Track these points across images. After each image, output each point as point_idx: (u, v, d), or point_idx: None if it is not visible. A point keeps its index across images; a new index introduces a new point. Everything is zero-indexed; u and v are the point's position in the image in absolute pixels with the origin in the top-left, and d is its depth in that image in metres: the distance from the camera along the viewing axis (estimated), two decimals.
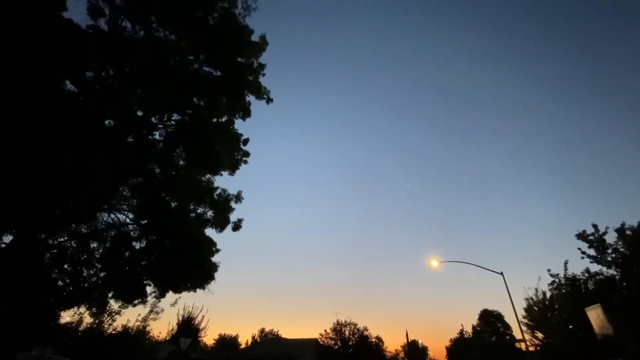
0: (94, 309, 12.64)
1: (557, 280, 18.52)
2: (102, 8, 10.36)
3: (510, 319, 36.35)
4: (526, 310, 21.50)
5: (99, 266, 11.49)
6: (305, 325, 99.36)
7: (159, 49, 10.74)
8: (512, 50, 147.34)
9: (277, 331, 57.25)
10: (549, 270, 18.96)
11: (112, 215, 12.10)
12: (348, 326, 33.66)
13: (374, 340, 33.87)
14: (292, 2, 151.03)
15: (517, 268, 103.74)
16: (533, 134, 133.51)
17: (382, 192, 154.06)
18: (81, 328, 16.23)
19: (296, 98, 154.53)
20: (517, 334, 23.73)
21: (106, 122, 10.76)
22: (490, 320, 37.47)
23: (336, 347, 32.44)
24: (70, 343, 16.26)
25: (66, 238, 11.48)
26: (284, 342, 42.19)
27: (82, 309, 13.31)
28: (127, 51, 10.33)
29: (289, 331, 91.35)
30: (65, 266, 11.11)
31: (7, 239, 10.02)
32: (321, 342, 33.26)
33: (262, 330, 58.02)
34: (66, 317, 15.21)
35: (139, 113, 11.32)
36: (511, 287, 24.53)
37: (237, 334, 51.56)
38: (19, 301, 8.97)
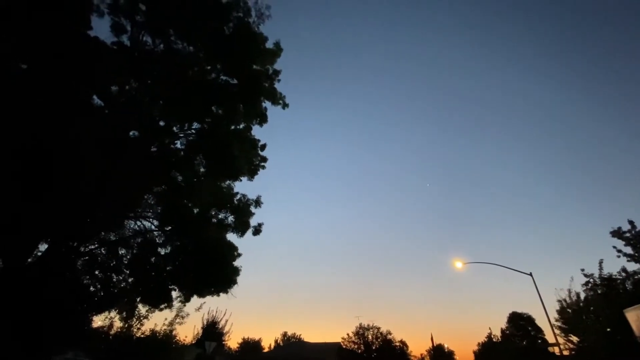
0: (123, 313, 13.12)
1: (591, 280, 17.59)
2: (124, 25, 10.88)
3: (541, 321, 34.81)
4: (559, 312, 20.44)
5: (127, 272, 11.94)
6: (327, 328, 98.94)
7: (178, 61, 11.13)
8: (530, 48, 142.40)
9: (300, 335, 57.42)
10: (582, 270, 18.03)
11: (138, 223, 12.56)
12: (371, 330, 33.20)
13: (398, 344, 33.18)
14: (298, 5, 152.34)
15: (547, 268, 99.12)
16: (560, 132, 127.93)
17: (403, 194, 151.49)
18: (112, 332, 16.85)
19: (310, 102, 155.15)
20: (549, 338, 22.64)
21: (131, 133, 11.23)
22: (520, 323, 35.95)
23: (359, 351, 32.06)
24: (102, 347, 16.90)
25: (96, 245, 12.00)
26: (307, 345, 42.27)
27: (113, 314, 13.84)
28: (149, 64, 10.78)
29: (312, 335, 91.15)
30: (96, 272, 11.61)
31: (43, 247, 10.61)
32: (344, 346, 32.96)
33: (285, 334, 58.31)
34: (98, 321, 15.84)
35: (161, 123, 11.74)
36: (541, 288, 23.44)
37: (260, 338, 51.80)
38: (55, 306, 9.42)
